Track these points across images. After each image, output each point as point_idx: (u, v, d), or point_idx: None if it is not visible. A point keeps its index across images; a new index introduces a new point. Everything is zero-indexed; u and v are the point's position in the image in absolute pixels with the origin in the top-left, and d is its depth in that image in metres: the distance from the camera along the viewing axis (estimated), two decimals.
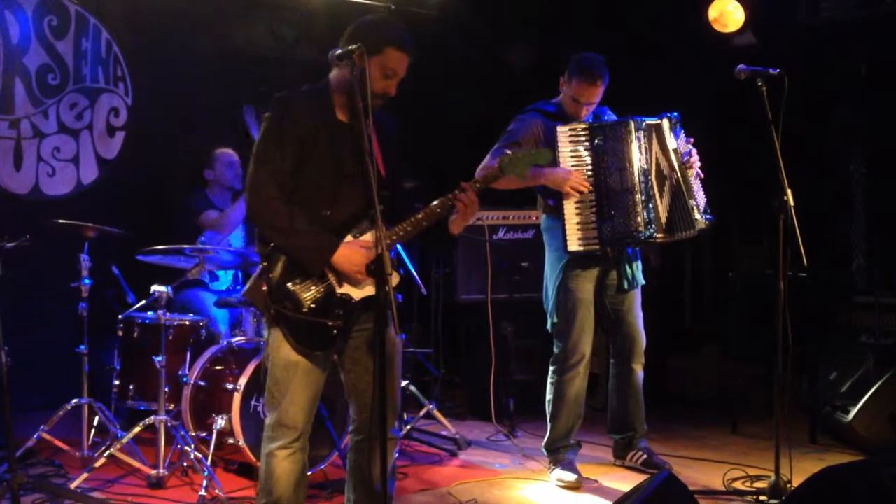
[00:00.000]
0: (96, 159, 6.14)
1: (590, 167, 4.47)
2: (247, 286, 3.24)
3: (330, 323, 3.15)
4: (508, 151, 3.42)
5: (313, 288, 3.14)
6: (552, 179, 4.49)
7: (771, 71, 4.02)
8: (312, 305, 3.13)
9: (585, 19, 6.27)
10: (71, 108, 6.03)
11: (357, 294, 3.17)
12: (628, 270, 4.63)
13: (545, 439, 4.73)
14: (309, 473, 4.23)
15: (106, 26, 6.14)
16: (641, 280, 4.70)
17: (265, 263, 3.15)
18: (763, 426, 5.45)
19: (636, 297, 4.70)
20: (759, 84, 4.02)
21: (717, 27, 6.07)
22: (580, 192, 4.43)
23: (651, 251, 4.84)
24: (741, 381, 5.94)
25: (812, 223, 4.04)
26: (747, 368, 5.97)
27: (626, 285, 4.64)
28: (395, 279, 3.08)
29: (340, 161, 3.15)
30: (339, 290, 3.16)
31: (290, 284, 3.13)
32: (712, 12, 6.06)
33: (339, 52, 3.06)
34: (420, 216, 3.18)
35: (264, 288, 3.13)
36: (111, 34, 6.16)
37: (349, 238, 3.16)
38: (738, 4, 5.99)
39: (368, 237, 3.15)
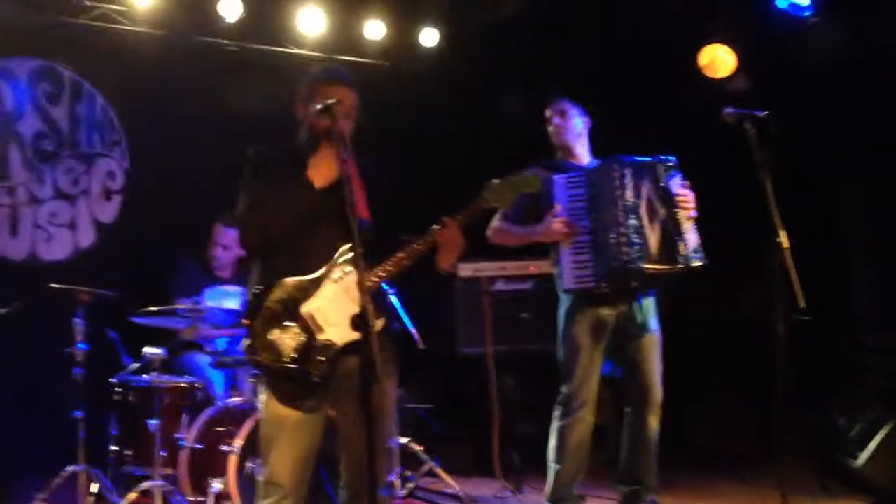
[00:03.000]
0: (93, 224, 6.16)
1: (584, 211, 4.49)
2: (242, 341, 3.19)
3: (313, 371, 3.04)
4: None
5: (294, 336, 3.05)
6: (541, 233, 4.54)
7: (757, 113, 4.00)
8: (294, 354, 3.03)
9: (576, 68, 6.31)
10: (67, 174, 6.06)
11: (339, 339, 3.07)
12: (637, 315, 4.57)
13: (547, 489, 4.63)
14: None
15: (101, 91, 6.20)
16: (654, 325, 4.63)
17: (248, 315, 3.08)
18: (772, 474, 5.33)
19: (653, 344, 4.60)
20: (748, 127, 4.01)
21: (709, 73, 6.10)
22: (572, 233, 4.44)
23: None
24: (748, 428, 5.85)
25: (812, 265, 3.97)
26: (754, 415, 5.87)
27: (637, 330, 4.58)
28: (379, 324, 3.03)
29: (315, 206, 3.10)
30: (320, 337, 3.06)
31: (269, 335, 3.04)
32: (703, 59, 6.10)
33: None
34: (401, 255, 3.13)
35: (247, 340, 3.08)
36: (106, 99, 6.22)
37: (328, 285, 3.09)
38: (728, 49, 6.03)
39: (349, 281, 3.07)
